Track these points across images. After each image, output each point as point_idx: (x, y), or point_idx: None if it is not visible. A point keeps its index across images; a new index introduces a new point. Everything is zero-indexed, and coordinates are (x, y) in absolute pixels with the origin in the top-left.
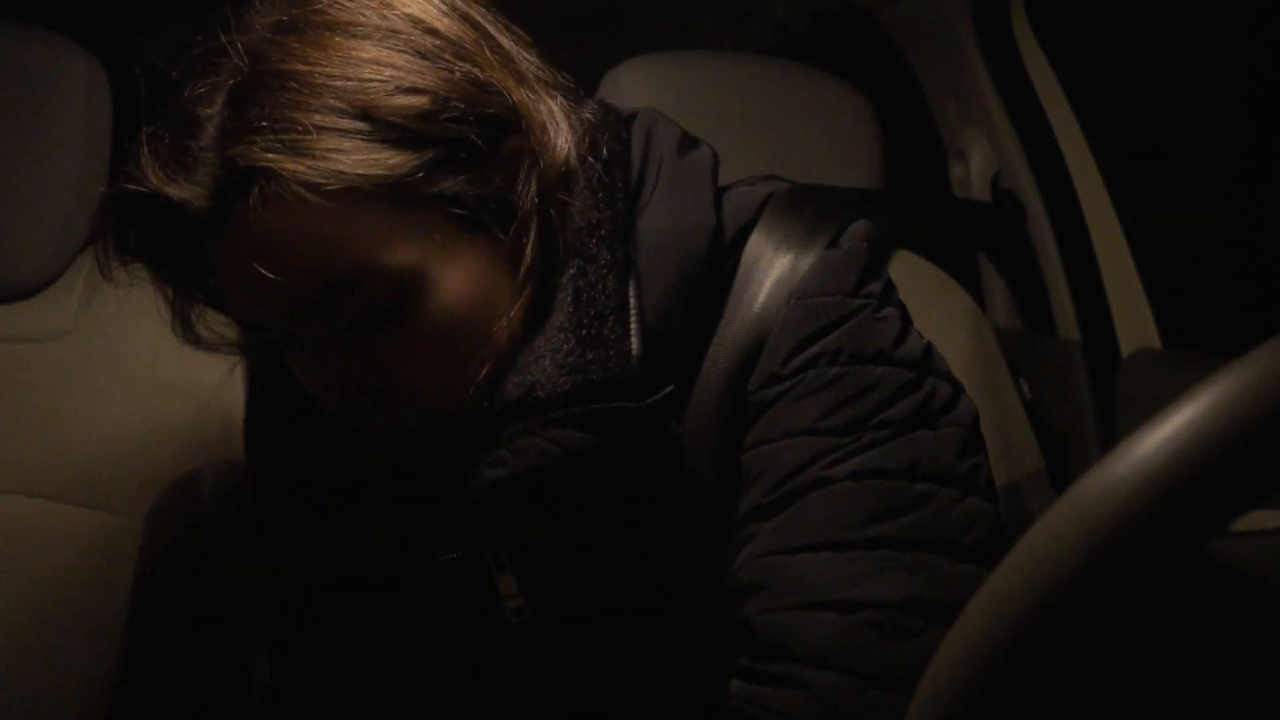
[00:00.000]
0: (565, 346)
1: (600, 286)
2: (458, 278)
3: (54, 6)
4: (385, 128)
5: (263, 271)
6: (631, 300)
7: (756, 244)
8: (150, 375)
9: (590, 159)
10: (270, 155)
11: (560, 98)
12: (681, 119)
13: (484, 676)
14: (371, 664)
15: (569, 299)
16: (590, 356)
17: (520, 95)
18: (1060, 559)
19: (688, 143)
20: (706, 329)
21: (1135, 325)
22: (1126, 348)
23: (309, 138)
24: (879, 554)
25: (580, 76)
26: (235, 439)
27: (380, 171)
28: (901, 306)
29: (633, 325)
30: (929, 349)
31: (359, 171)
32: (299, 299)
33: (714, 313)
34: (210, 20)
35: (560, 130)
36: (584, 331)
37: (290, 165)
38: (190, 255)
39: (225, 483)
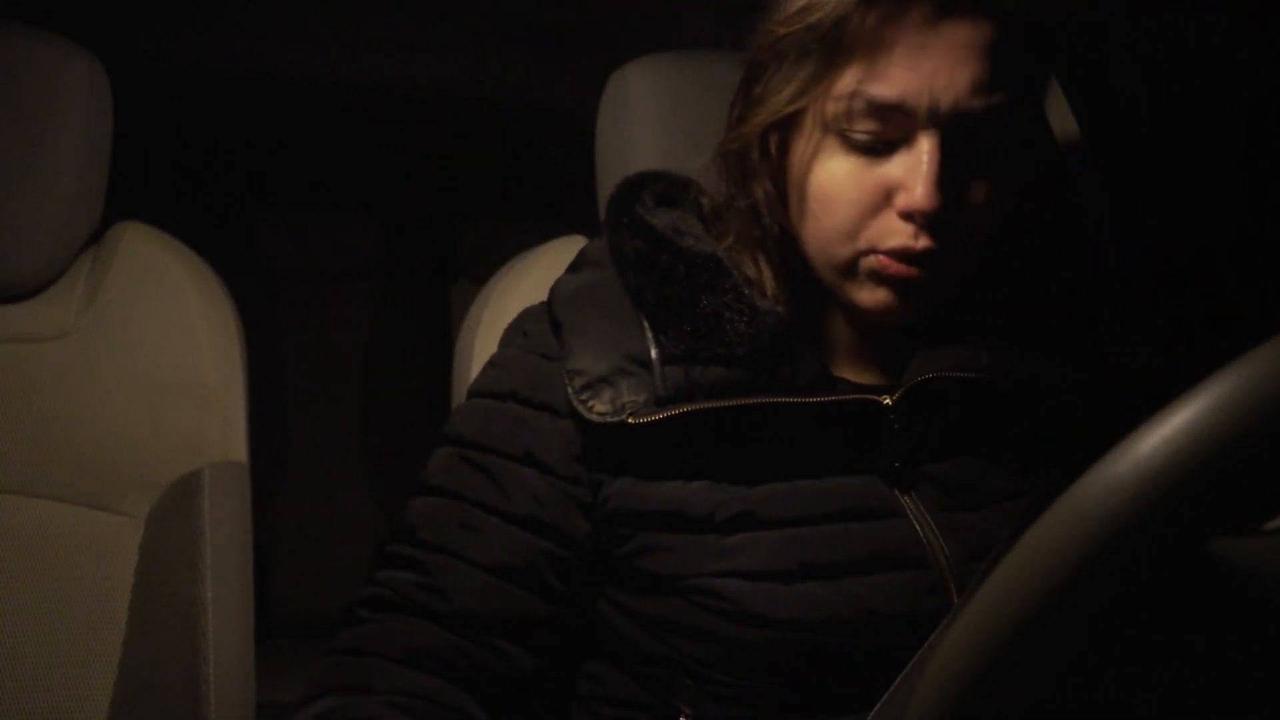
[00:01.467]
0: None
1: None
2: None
3: (54, 6)
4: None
5: (975, 63)
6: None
7: None
8: (150, 375)
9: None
10: None
11: None
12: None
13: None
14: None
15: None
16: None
17: None
18: (1061, 558)
19: None
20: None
21: None
22: None
23: None
24: None
25: (583, 76)
26: (235, 439)
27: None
28: None
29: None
30: None
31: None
32: (981, 97)
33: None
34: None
35: None
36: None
37: None
38: None
39: (225, 483)
